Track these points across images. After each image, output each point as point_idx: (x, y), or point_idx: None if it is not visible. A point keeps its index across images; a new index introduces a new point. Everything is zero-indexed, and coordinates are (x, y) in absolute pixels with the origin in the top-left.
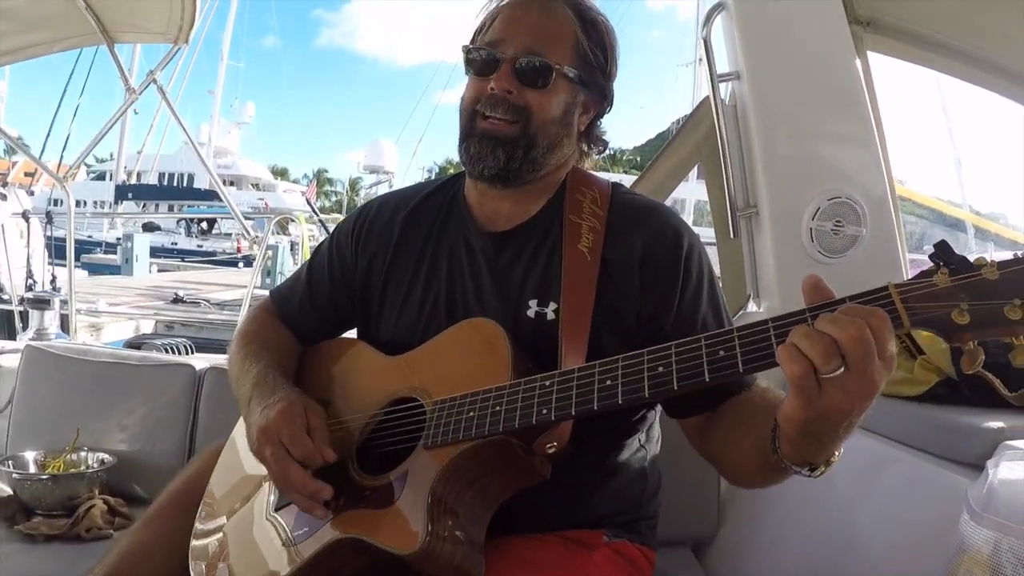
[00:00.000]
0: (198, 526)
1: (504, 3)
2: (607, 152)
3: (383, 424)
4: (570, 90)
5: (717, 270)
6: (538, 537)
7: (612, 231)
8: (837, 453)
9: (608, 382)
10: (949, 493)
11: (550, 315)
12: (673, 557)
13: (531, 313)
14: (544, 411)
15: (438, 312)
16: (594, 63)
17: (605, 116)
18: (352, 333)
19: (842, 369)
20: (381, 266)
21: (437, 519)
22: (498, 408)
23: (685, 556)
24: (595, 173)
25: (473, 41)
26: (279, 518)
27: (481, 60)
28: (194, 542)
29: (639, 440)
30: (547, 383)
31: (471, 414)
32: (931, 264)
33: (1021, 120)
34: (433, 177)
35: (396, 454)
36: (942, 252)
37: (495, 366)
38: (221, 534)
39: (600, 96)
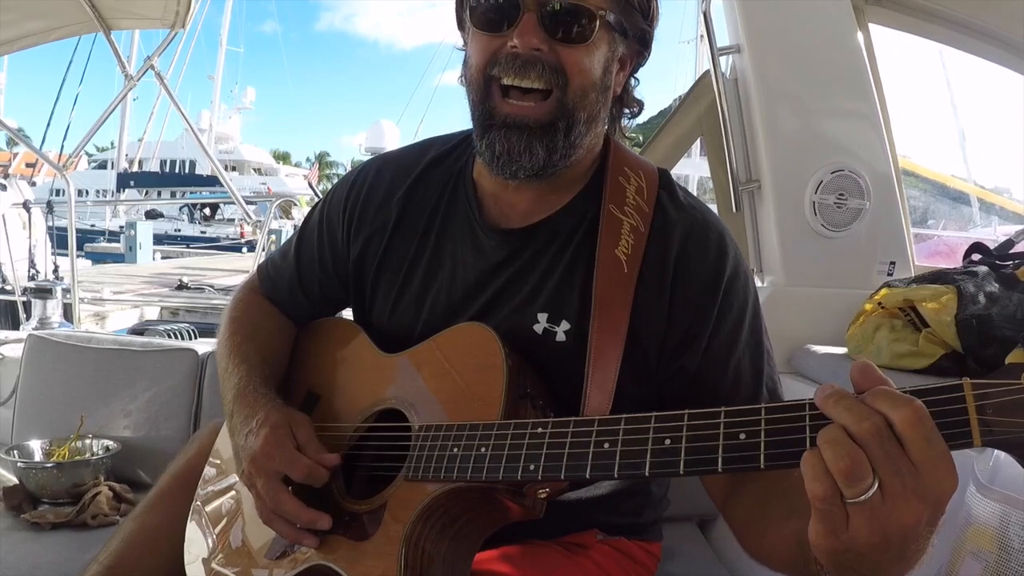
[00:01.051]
0: (191, 519)
1: None
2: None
3: (368, 438)
4: (610, 42)
5: None
6: (532, 543)
7: (654, 236)
8: None
9: (606, 446)
10: (956, 465)
11: (560, 336)
12: (679, 532)
13: (539, 329)
14: (532, 467)
15: (436, 313)
16: (635, 3)
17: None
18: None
19: (872, 491)
20: (375, 252)
21: (412, 563)
22: (483, 451)
23: (691, 531)
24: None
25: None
26: (259, 528)
27: (493, 7)
28: (188, 534)
29: None
30: (539, 431)
31: (455, 451)
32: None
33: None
34: None
35: (379, 475)
36: None
37: (489, 386)
38: (213, 531)
39: (639, 45)
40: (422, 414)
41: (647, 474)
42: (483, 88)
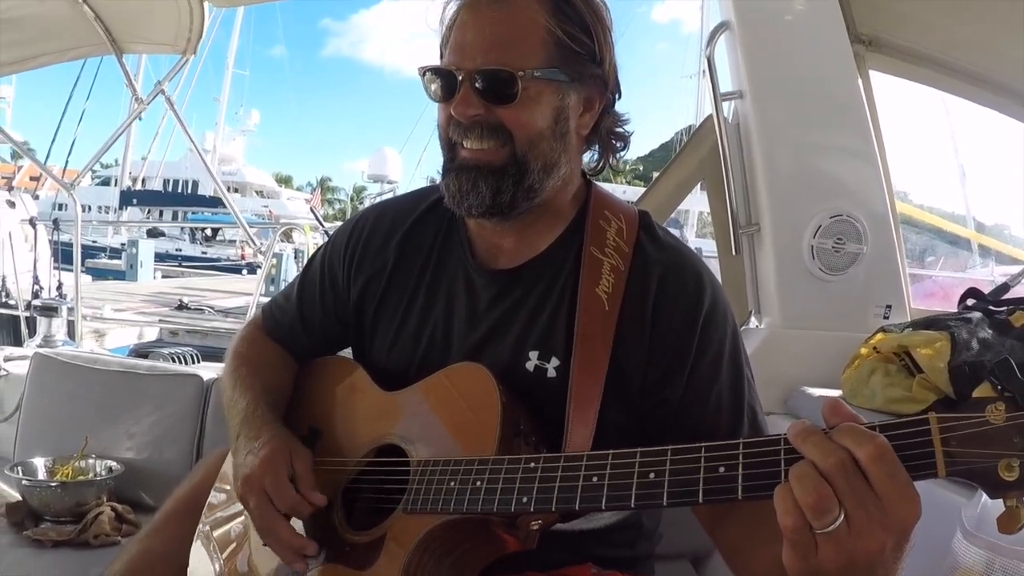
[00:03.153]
0: (196, 543)
1: (457, 6)
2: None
3: (368, 472)
4: (553, 92)
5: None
6: (528, 575)
7: (634, 275)
8: None
9: (595, 479)
10: (943, 511)
11: (551, 372)
12: (673, 570)
13: (530, 367)
14: (524, 499)
15: (432, 352)
16: (578, 49)
17: (616, 104)
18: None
19: (838, 523)
20: (375, 293)
21: None
22: (479, 484)
23: (684, 569)
24: (604, 186)
25: (441, 58)
26: (268, 553)
27: (438, 84)
28: (192, 558)
29: None
30: (531, 465)
31: (451, 484)
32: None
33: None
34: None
35: (379, 507)
36: (1003, 373)
37: (484, 423)
38: (218, 557)
39: (600, 85)
40: (420, 450)
41: (632, 506)
42: (448, 146)
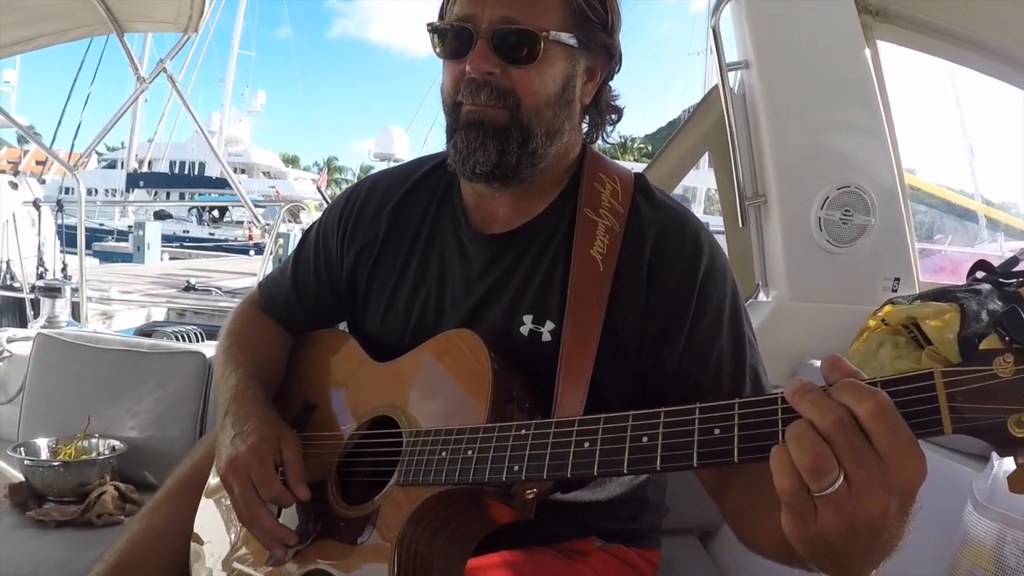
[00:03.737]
0: (197, 521)
1: None
2: (616, 139)
3: (362, 445)
4: (567, 58)
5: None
6: (530, 548)
7: (629, 236)
8: (873, 573)
9: (586, 445)
10: (954, 483)
11: (546, 335)
12: (680, 546)
13: (524, 331)
14: (515, 468)
15: (426, 319)
16: (592, 16)
17: (615, 77)
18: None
19: (837, 484)
20: (367, 261)
21: (405, 566)
22: (470, 453)
23: (692, 544)
24: (615, 160)
25: (441, 17)
26: None
27: (451, 38)
28: (194, 535)
29: None
30: (522, 432)
31: (443, 455)
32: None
33: None
34: None
35: (374, 480)
36: (1012, 323)
37: (475, 390)
38: (217, 533)
39: (605, 56)
40: (413, 421)
41: (625, 471)
42: (453, 110)
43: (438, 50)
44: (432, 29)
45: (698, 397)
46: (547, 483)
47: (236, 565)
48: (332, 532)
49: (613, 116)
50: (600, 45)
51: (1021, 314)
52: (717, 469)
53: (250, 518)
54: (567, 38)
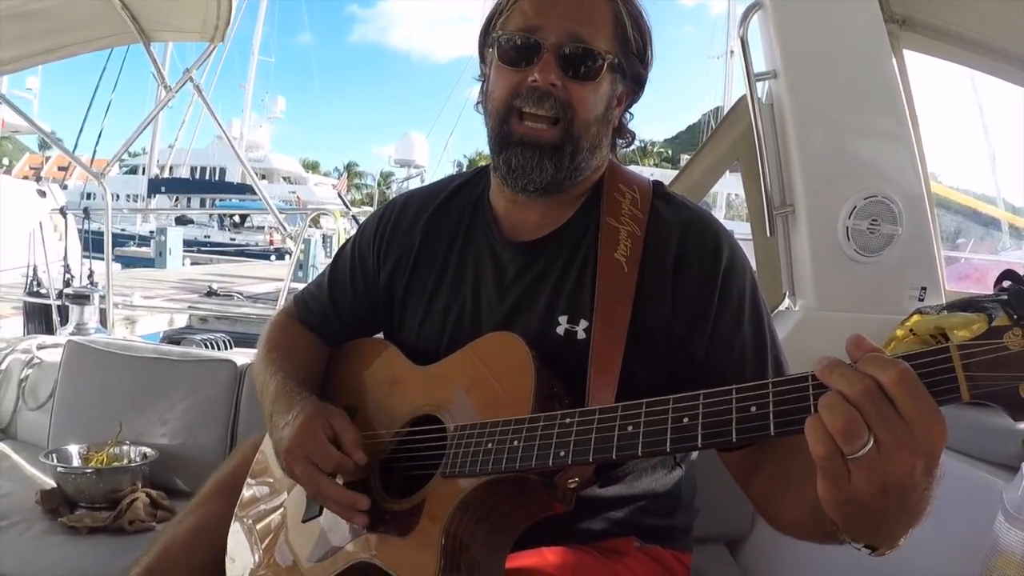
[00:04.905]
0: (234, 530)
1: None
2: (636, 144)
3: (405, 443)
4: (612, 81)
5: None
6: (570, 546)
7: (651, 238)
8: (902, 540)
9: (630, 428)
10: (984, 493)
11: (580, 334)
12: (708, 554)
13: (560, 331)
14: (562, 453)
15: (462, 324)
16: (633, 49)
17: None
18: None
19: (868, 447)
20: (403, 273)
21: (451, 554)
22: (516, 443)
23: (720, 553)
24: (632, 168)
25: (490, 28)
26: (307, 529)
27: (517, 47)
28: (230, 540)
29: (674, 457)
30: (567, 421)
31: (489, 446)
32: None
33: None
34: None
35: (418, 476)
36: (1017, 303)
37: (518, 387)
38: (255, 536)
39: (635, 85)
40: (456, 417)
41: (668, 449)
42: (504, 114)
43: (495, 55)
44: (497, 38)
45: (723, 385)
46: (589, 471)
47: (276, 559)
48: (378, 526)
49: (628, 139)
50: (635, 75)
51: None
52: (744, 456)
53: (317, 492)
54: (617, 64)
